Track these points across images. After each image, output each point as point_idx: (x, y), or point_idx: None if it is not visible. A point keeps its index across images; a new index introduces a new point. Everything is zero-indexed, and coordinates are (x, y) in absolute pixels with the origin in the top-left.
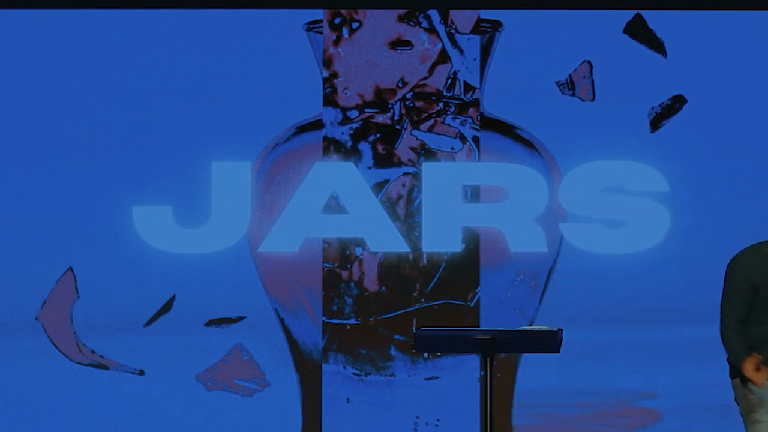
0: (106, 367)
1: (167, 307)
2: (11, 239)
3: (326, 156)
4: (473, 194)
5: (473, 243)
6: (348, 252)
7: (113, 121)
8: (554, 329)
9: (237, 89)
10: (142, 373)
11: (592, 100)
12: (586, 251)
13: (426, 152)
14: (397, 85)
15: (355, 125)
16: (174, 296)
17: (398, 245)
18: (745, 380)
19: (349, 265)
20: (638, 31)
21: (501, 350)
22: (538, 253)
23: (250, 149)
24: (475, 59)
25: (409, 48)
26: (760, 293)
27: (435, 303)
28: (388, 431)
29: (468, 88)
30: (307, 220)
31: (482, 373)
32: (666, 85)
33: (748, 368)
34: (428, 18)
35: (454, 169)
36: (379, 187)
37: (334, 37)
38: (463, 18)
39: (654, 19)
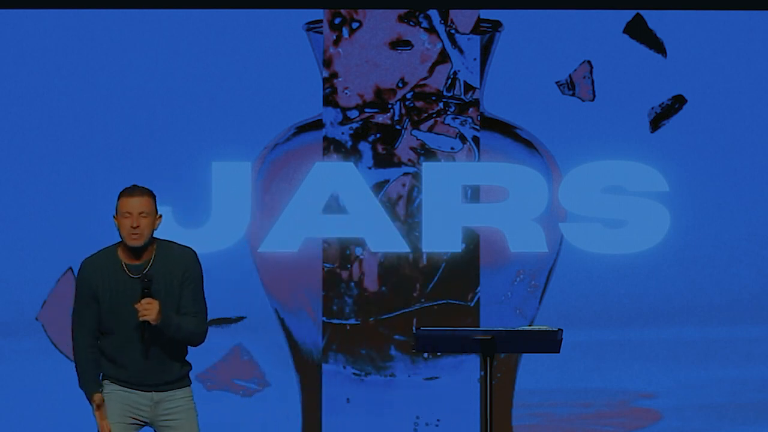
0: None
1: None
2: (11, 239)
3: (326, 156)
4: (473, 194)
5: (473, 243)
6: (348, 252)
7: (113, 121)
8: (554, 329)
9: (237, 89)
10: None
11: (592, 100)
12: (586, 251)
13: (426, 152)
14: (397, 85)
15: (355, 125)
16: None
17: (398, 245)
18: None
19: (349, 265)
20: (638, 31)
21: (501, 350)
22: (538, 253)
23: (250, 149)
24: (475, 59)
25: (409, 48)
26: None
27: (435, 303)
28: (388, 431)
29: (468, 88)
30: (307, 220)
31: (482, 373)
32: (666, 85)
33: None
34: (428, 18)
35: (454, 169)
36: (379, 187)
37: (334, 37)
38: (463, 18)
39: (654, 19)
